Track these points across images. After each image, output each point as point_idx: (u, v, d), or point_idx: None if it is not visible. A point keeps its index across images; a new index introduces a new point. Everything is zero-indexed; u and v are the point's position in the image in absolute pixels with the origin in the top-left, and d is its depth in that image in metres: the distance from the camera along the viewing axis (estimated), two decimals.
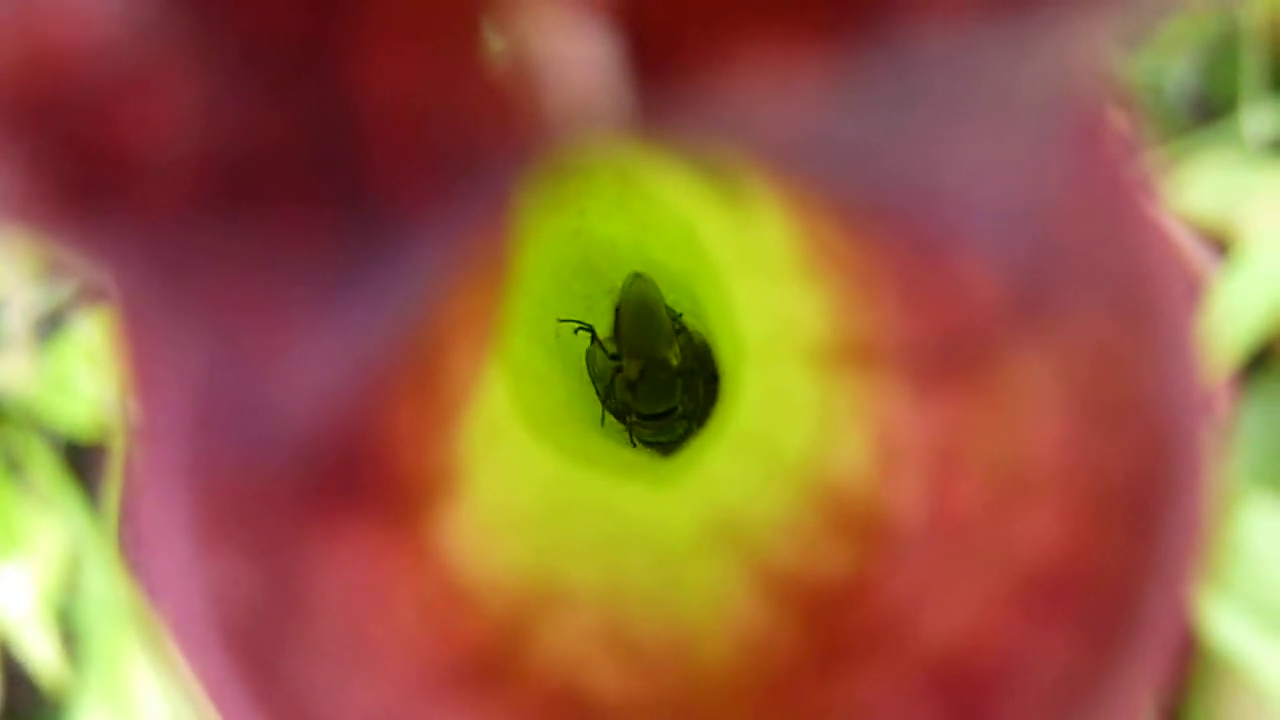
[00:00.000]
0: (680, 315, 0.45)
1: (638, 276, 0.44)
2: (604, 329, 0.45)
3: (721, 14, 0.16)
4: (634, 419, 0.44)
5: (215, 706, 0.19)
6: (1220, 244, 0.74)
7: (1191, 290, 0.19)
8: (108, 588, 0.91)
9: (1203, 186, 0.77)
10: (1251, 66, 0.80)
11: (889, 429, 0.21)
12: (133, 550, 0.19)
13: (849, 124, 0.17)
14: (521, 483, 0.25)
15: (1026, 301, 0.18)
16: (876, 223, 0.19)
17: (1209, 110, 0.84)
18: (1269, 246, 0.71)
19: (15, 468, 0.97)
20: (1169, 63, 0.84)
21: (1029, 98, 0.17)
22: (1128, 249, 0.18)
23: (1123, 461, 0.19)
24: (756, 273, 0.26)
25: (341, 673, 0.19)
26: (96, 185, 0.16)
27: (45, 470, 0.96)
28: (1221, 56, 0.83)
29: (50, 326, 0.96)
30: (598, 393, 0.44)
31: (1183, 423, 0.19)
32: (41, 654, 0.93)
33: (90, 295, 0.18)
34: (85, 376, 0.92)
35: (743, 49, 0.16)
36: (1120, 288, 0.18)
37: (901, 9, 0.16)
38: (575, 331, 0.44)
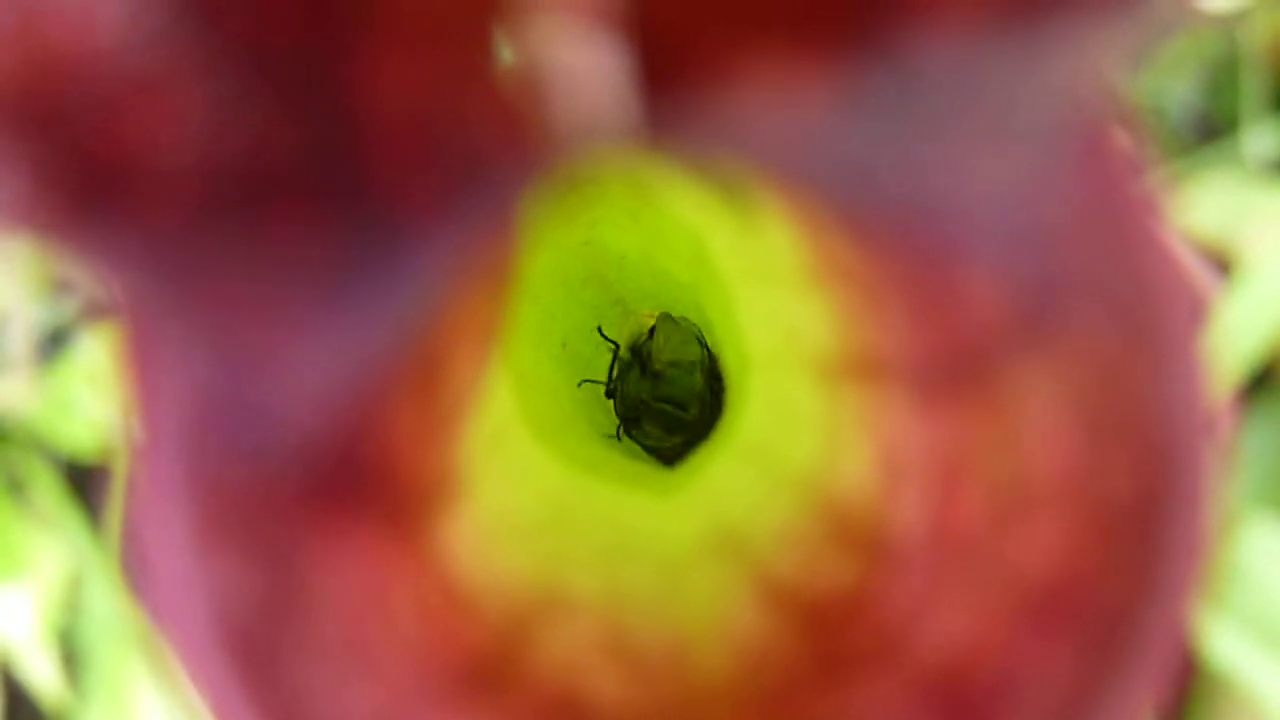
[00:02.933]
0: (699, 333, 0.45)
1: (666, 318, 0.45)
2: (610, 336, 0.45)
3: (729, 27, 0.16)
4: (642, 426, 0.44)
5: (215, 711, 0.19)
6: (1222, 264, 0.74)
7: (1196, 308, 0.19)
8: (109, 608, 0.91)
9: (1204, 206, 0.77)
10: (1253, 87, 0.80)
11: (893, 442, 0.21)
12: (134, 557, 0.19)
13: (854, 138, 0.17)
14: (525, 489, 0.25)
15: (1030, 318, 0.19)
16: (882, 237, 0.19)
17: (1211, 130, 0.84)
18: (1270, 266, 0.71)
19: (17, 488, 0.97)
20: (1171, 83, 0.84)
21: (1034, 114, 0.17)
22: (1132, 266, 0.18)
23: (1126, 478, 0.19)
24: (763, 284, 0.26)
25: (341, 677, 0.19)
26: (100, 191, 0.16)
27: (47, 491, 0.96)
28: (1223, 77, 0.83)
29: (52, 346, 0.96)
30: (608, 392, 0.45)
31: (1186, 440, 0.19)
32: (43, 675, 0.93)
33: (93, 314, 0.18)
34: (87, 397, 0.92)
35: (750, 62, 0.16)
36: (1124, 305, 0.19)
37: (907, 24, 0.16)
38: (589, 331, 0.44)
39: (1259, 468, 0.73)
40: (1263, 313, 0.71)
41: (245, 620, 0.18)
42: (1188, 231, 0.75)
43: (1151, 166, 0.19)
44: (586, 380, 0.44)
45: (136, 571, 0.19)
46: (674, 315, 0.45)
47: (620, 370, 0.45)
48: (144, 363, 0.18)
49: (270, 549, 0.18)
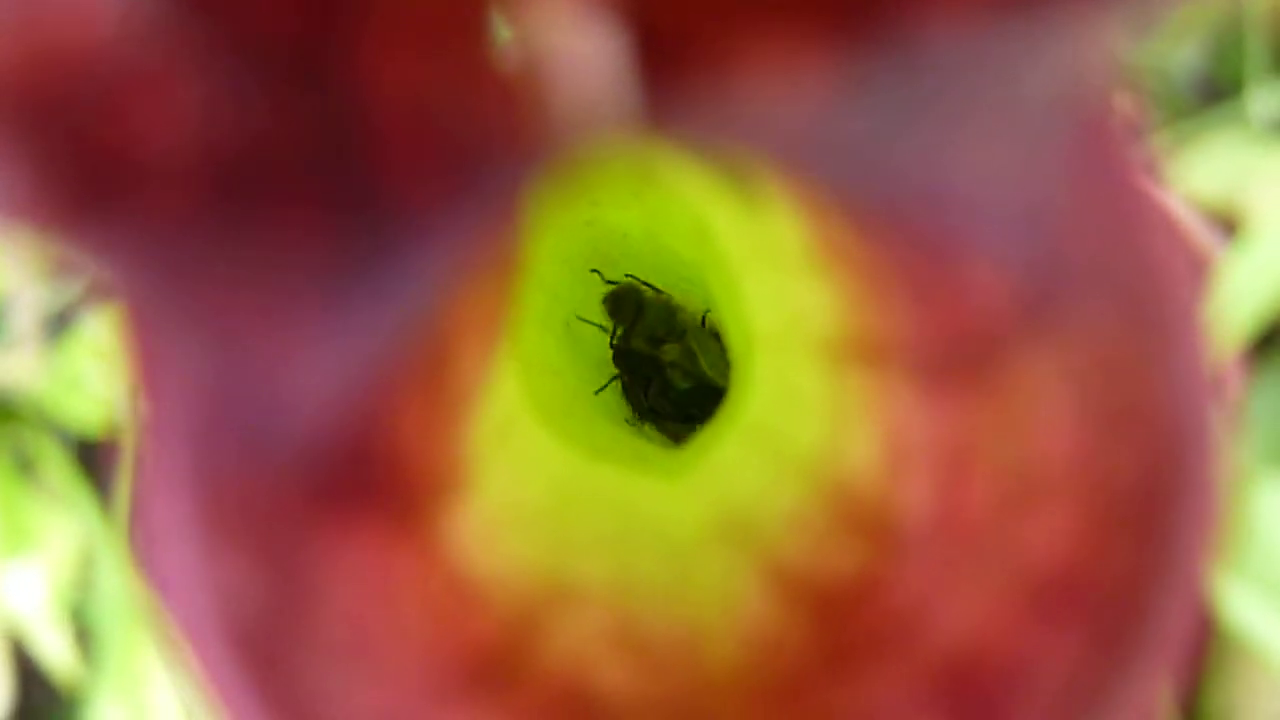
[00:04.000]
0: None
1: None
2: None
3: (730, 12, 0.16)
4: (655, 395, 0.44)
5: (223, 708, 0.19)
6: (1227, 225, 0.74)
7: (1199, 284, 0.19)
8: (120, 585, 0.91)
9: (1209, 168, 0.77)
10: (1257, 48, 0.80)
11: (898, 428, 0.21)
12: (141, 553, 0.19)
13: (857, 124, 0.17)
14: (532, 478, 0.25)
15: (1033, 304, 0.18)
16: (884, 222, 0.19)
17: (1215, 92, 0.84)
18: (1275, 226, 0.71)
19: (26, 466, 0.98)
20: (1175, 45, 0.84)
21: (1036, 98, 0.17)
22: (1134, 249, 0.18)
23: (1131, 463, 0.19)
24: (768, 266, 0.26)
25: (349, 674, 0.19)
26: (102, 186, 0.16)
27: (56, 468, 0.96)
28: (1227, 38, 0.83)
29: (59, 324, 0.96)
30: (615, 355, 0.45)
31: (1191, 423, 0.19)
32: (55, 651, 0.93)
33: (99, 292, 0.17)
34: (95, 374, 0.92)
35: (751, 47, 0.16)
36: (1127, 289, 0.18)
37: (909, 9, 0.16)
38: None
39: (1266, 429, 0.73)
40: (1268, 273, 0.70)
41: (252, 619, 0.18)
42: (1192, 194, 0.75)
43: (1154, 131, 0.18)
44: (595, 362, 0.44)
45: (143, 562, 0.19)
46: (679, 291, 0.45)
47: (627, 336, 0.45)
48: (149, 361, 0.18)
49: (276, 547, 0.18)
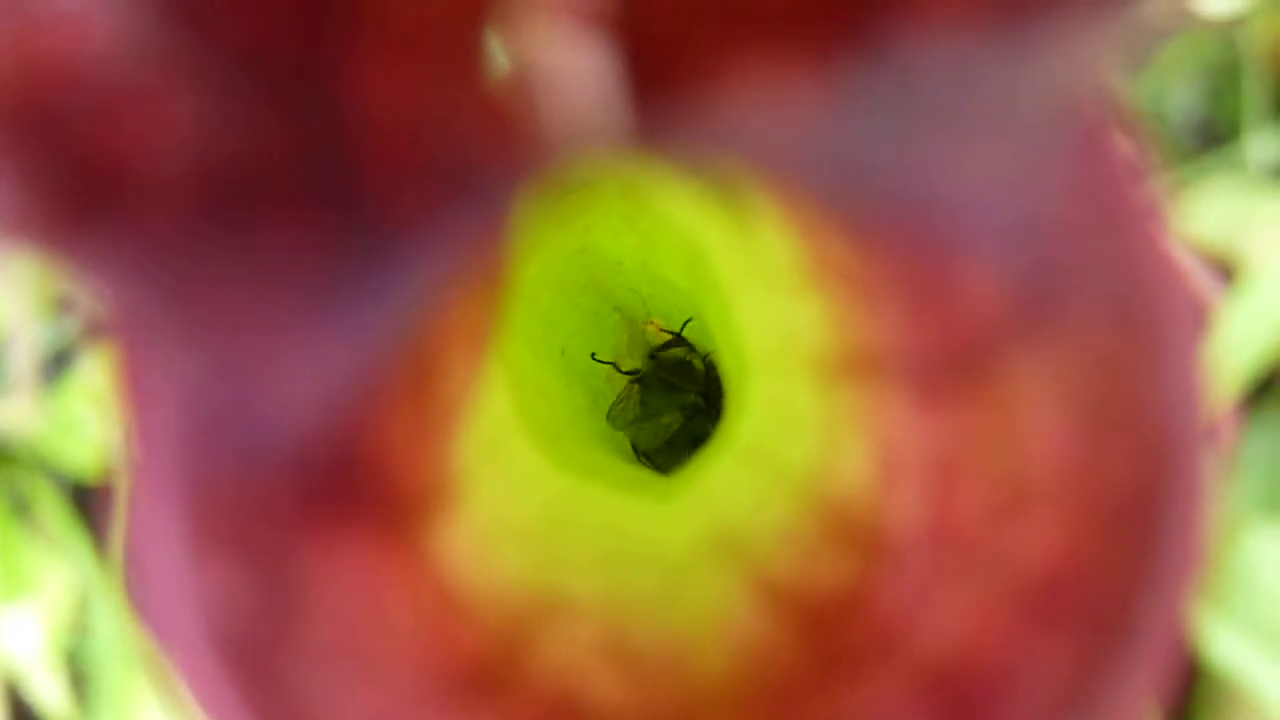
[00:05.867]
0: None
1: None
2: (608, 343, 0.45)
3: (720, 27, 0.16)
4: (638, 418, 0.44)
5: (211, 718, 0.19)
6: (1224, 270, 0.74)
7: (1194, 306, 0.19)
8: (116, 629, 0.90)
9: (1206, 213, 0.77)
10: (1254, 92, 0.80)
11: (890, 440, 0.21)
12: (129, 565, 0.19)
13: (849, 136, 0.17)
14: (522, 495, 0.25)
15: (1028, 313, 0.18)
16: (878, 234, 0.19)
17: (1212, 136, 0.84)
18: (1273, 273, 0.71)
19: (23, 509, 0.97)
20: (1172, 89, 0.84)
21: (1029, 110, 0.17)
22: (1129, 261, 0.18)
23: (1122, 472, 0.19)
24: (759, 285, 0.26)
25: (338, 683, 0.19)
26: (92, 198, 0.16)
27: (53, 512, 0.96)
28: (1224, 82, 0.83)
29: (56, 367, 0.96)
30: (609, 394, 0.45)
31: (1182, 434, 0.19)
32: (50, 696, 0.93)
33: (96, 334, 0.18)
34: (91, 417, 0.92)
35: (741, 62, 0.16)
36: (1122, 300, 0.18)
37: (901, 21, 0.16)
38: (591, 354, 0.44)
39: (1261, 475, 0.73)
40: (1265, 319, 0.71)
41: (241, 628, 0.18)
42: (1190, 238, 0.75)
43: (1153, 172, 0.19)
44: (587, 388, 0.44)
45: (134, 584, 0.19)
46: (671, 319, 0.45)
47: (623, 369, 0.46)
48: (138, 371, 0.18)
49: (265, 556, 0.18)
